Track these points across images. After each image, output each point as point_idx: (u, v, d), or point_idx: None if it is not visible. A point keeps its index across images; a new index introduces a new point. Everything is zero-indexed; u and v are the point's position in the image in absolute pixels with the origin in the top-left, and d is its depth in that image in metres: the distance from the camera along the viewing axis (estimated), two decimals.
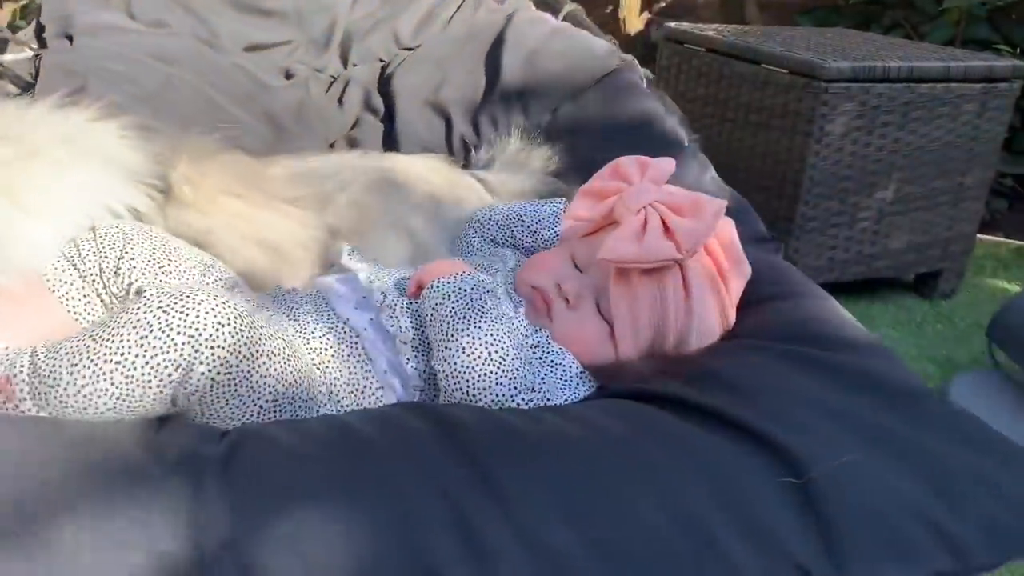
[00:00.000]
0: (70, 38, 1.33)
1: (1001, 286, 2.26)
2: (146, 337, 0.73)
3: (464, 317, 0.88)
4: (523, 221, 1.15)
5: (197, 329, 0.74)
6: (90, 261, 0.88)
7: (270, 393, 0.80)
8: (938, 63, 1.89)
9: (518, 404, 0.85)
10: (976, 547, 0.72)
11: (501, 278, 1.01)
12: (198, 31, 1.57)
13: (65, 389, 0.73)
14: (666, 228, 0.92)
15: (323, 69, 1.68)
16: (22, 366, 0.75)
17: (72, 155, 0.92)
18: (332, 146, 1.50)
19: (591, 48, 1.49)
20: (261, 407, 0.80)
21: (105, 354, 0.73)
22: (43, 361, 0.74)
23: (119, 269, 0.87)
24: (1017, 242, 2.48)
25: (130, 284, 0.87)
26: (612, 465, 0.76)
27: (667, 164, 0.99)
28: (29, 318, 0.84)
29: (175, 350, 0.74)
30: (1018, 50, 2.51)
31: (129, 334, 0.74)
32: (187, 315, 0.75)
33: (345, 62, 1.72)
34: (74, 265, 0.88)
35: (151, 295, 0.76)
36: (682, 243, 0.91)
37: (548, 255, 1.04)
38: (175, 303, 0.75)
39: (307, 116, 1.47)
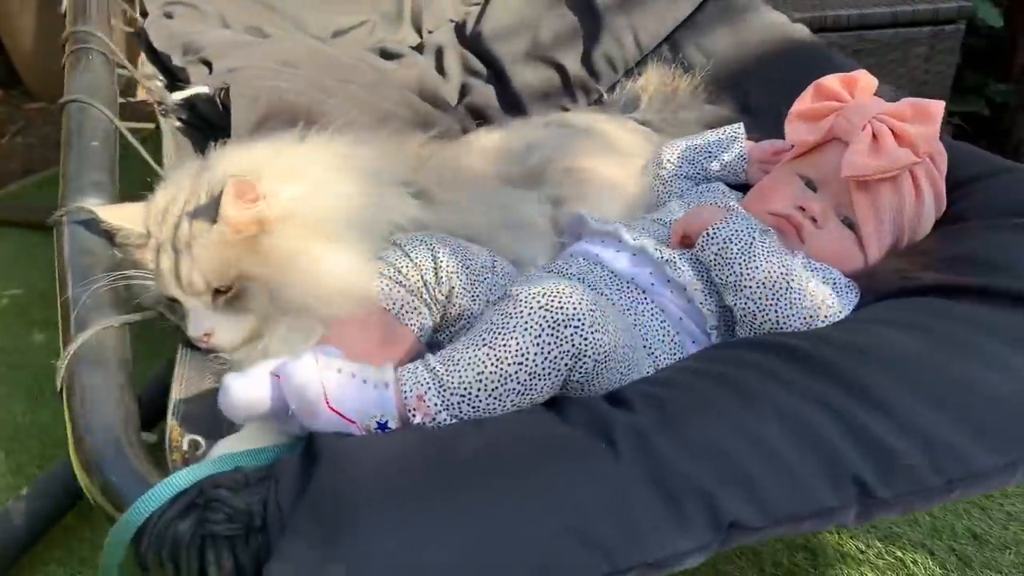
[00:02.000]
0: (205, 62, 1.32)
1: None
2: (540, 336, 0.80)
3: (753, 255, 0.95)
4: (709, 152, 1.22)
5: (579, 320, 0.81)
6: (413, 276, 0.93)
7: (627, 361, 0.87)
8: (886, 9, 1.89)
9: (821, 322, 0.94)
10: None
11: (740, 211, 1.08)
12: (290, 28, 1.57)
13: (477, 395, 0.80)
14: (897, 136, 1.00)
15: (401, 42, 1.70)
16: (426, 383, 0.81)
17: (350, 180, 0.96)
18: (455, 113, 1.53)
19: None
20: (623, 374, 0.87)
21: (507, 358, 0.80)
22: (446, 375, 0.81)
23: (439, 277, 0.93)
24: None
25: (451, 288, 0.94)
26: (952, 355, 0.84)
27: (868, 77, 1.06)
28: (378, 340, 0.90)
29: (567, 342, 0.81)
30: None
31: (523, 336, 0.80)
32: (565, 308, 0.81)
33: (419, 31, 1.73)
34: (399, 283, 0.93)
35: (526, 296, 0.82)
36: (919, 147, 0.99)
37: (774, 181, 1.11)
38: (552, 300, 0.82)
39: (429, 92, 1.49)
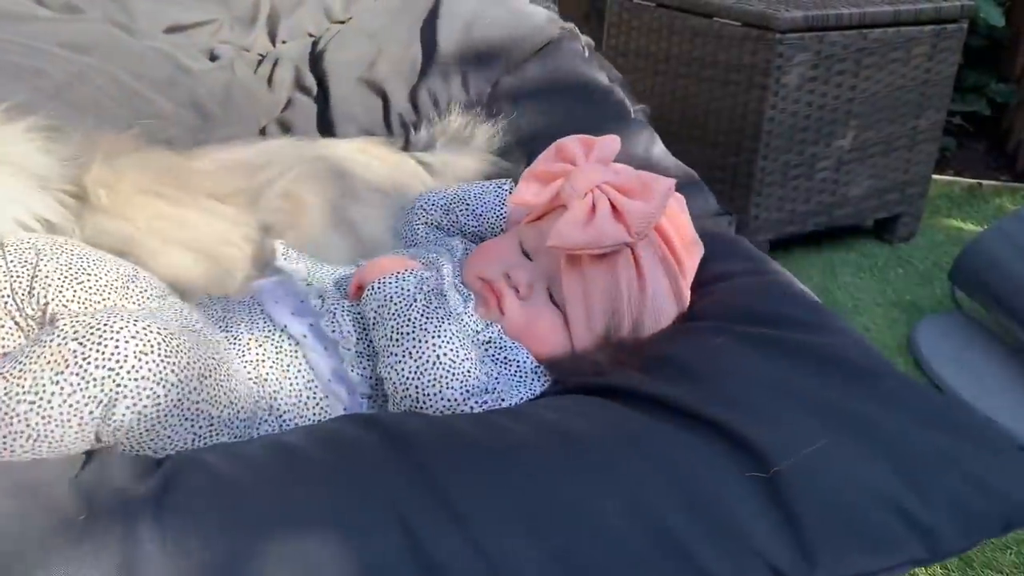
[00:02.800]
0: None
1: (956, 225, 2.26)
2: (62, 373, 0.68)
3: (409, 319, 0.83)
4: (467, 204, 1.10)
5: (117, 361, 0.69)
6: (0, 282, 0.81)
7: (205, 418, 0.75)
8: (888, 7, 1.85)
9: (471, 408, 0.81)
10: (947, 533, 0.70)
11: (449, 270, 0.96)
12: (113, 14, 1.47)
13: None
14: (615, 211, 0.87)
15: (250, 48, 1.59)
16: None
17: None
18: (263, 131, 1.43)
19: (530, 17, 1.42)
20: (196, 433, 0.75)
21: (18, 393, 0.68)
22: None
23: (32, 289, 0.80)
24: (968, 180, 2.48)
25: (46, 304, 0.81)
26: (571, 468, 0.72)
27: (612, 142, 0.94)
28: None
29: (95, 385, 0.68)
30: None
31: (43, 370, 0.68)
32: (105, 346, 0.69)
33: (273, 39, 1.63)
34: None
35: (65, 325, 0.70)
36: (632, 226, 0.87)
37: (495, 244, 0.99)
38: (92, 333, 0.69)
39: (235, 99, 1.39)
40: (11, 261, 0.81)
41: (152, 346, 0.71)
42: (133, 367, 0.69)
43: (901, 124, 1.99)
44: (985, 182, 2.45)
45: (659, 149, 1.21)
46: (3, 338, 0.81)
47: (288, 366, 0.85)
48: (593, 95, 1.28)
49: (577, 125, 1.19)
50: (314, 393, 0.85)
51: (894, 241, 2.13)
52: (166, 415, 0.71)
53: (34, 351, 0.69)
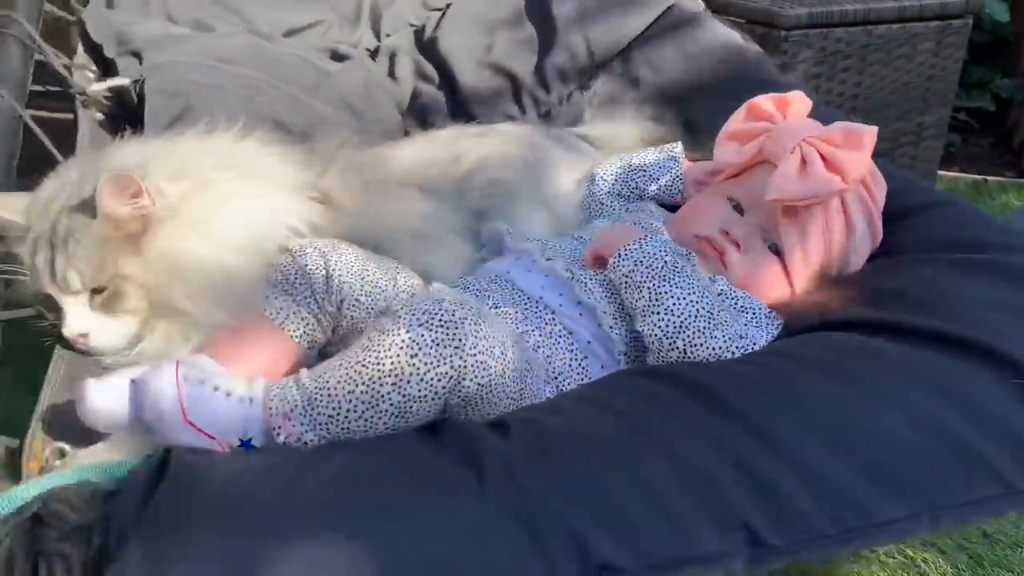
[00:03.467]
0: (136, 55, 1.28)
1: None
2: (416, 355, 0.76)
3: (663, 279, 0.90)
4: (644, 171, 1.17)
5: (460, 339, 0.77)
6: (301, 285, 0.88)
7: (518, 384, 0.83)
8: (893, 3, 1.86)
9: (732, 353, 0.89)
10: None
11: (666, 232, 1.03)
12: (237, 24, 1.53)
13: (346, 415, 0.75)
14: (826, 161, 0.95)
15: (358, 44, 1.65)
16: (294, 403, 0.76)
17: (240, 182, 0.92)
18: (403, 121, 1.49)
19: None
20: (512, 398, 0.83)
21: (380, 377, 0.75)
22: (316, 393, 0.76)
23: (329, 288, 0.88)
24: (973, 176, 2.51)
25: (341, 300, 0.88)
26: (854, 394, 0.80)
27: (803, 99, 1.02)
28: (258, 350, 0.85)
29: (445, 363, 0.76)
30: None
31: (399, 355, 0.76)
32: (447, 328, 0.77)
33: (377, 33, 1.69)
34: (285, 291, 0.88)
35: (405, 313, 0.78)
36: (846, 174, 0.94)
37: (701, 203, 1.06)
38: (432, 318, 0.77)
39: (375, 95, 1.45)
40: (305, 265, 0.89)
41: (480, 325, 0.79)
42: (473, 344, 0.77)
43: (907, 120, 2.00)
44: (990, 178, 2.48)
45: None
46: (310, 334, 0.89)
47: (551, 334, 0.92)
48: (737, 54, 1.35)
49: (723, 83, 1.28)
50: (575, 355, 0.92)
51: None
52: (496, 384, 0.79)
53: (384, 340, 0.77)
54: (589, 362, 0.93)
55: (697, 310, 0.89)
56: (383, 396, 0.75)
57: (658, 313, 0.89)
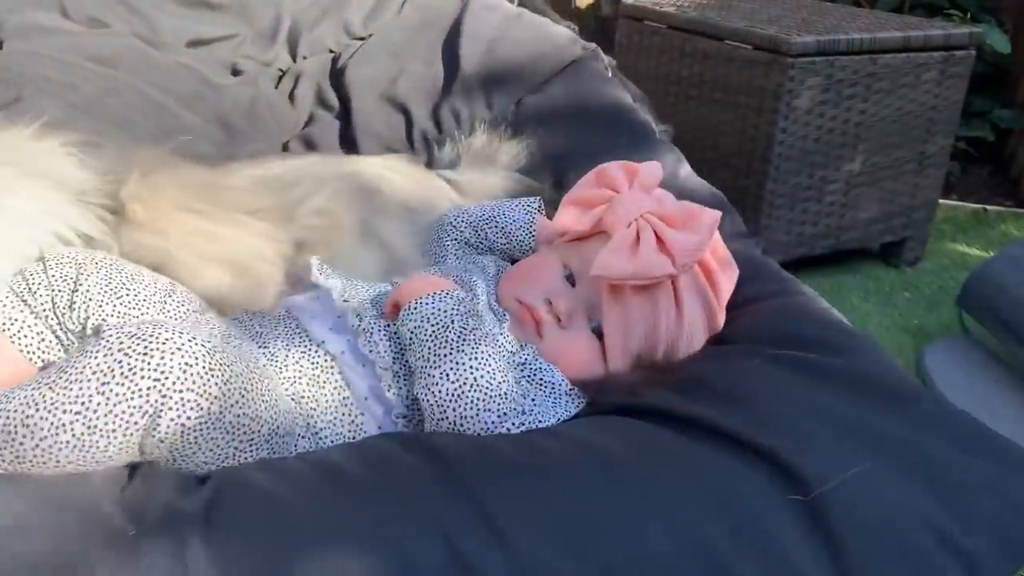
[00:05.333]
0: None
1: (961, 250, 2.28)
2: (107, 384, 0.68)
3: (445, 341, 0.83)
4: (496, 222, 1.11)
5: (163, 372, 0.69)
6: (41, 295, 0.81)
7: (245, 432, 0.75)
8: (898, 33, 1.87)
9: (508, 429, 0.81)
10: (988, 557, 0.70)
11: (483, 289, 0.96)
12: (137, 27, 1.48)
13: (21, 443, 0.67)
14: (660, 242, 0.88)
15: (271, 63, 1.61)
16: None
17: (13, 179, 0.85)
18: (286, 146, 1.43)
19: (553, 36, 1.44)
20: (236, 447, 0.75)
21: (63, 403, 0.67)
22: None
23: (73, 303, 0.81)
24: (973, 205, 2.50)
25: (86, 318, 0.81)
26: (614, 490, 0.72)
27: (654, 169, 0.95)
28: None
29: (140, 396, 0.68)
30: (968, 15, 2.54)
31: (89, 380, 0.68)
32: (151, 358, 0.69)
33: (294, 55, 1.64)
34: (24, 300, 0.81)
35: (111, 336, 0.70)
36: (677, 258, 0.87)
37: (534, 265, 0.99)
38: (137, 344, 0.70)
39: (259, 114, 1.40)
40: (52, 275, 0.82)
41: (196, 358, 0.71)
42: (178, 379, 0.69)
43: (909, 149, 2.01)
44: (990, 207, 2.48)
45: (686, 170, 1.22)
46: (44, 351, 0.81)
47: (324, 383, 0.85)
48: (619, 116, 1.30)
49: (603, 146, 1.22)
50: (349, 411, 0.85)
51: (900, 265, 2.14)
52: (209, 428, 0.72)
53: (80, 361, 0.69)
54: (364, 420, 0.85)
55: (475, 378, 0.81)
56: (63, 425, 0.67)
57: (433, 376, 0.82)
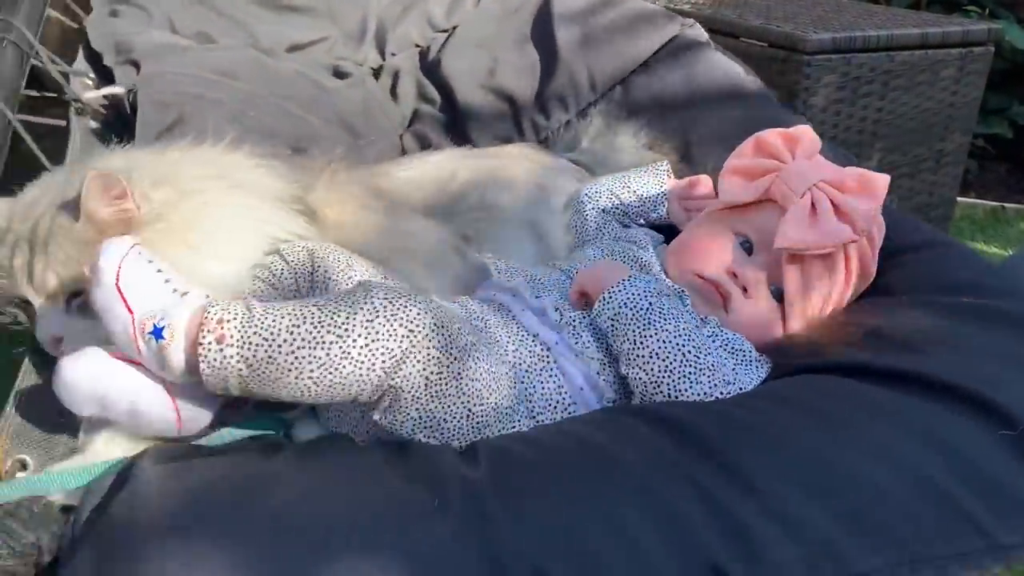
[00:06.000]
0: (134, 64, 1.28)
1: (980, 248, 2.25)
2: (372, 321, 0.74)
3: (648, 322, 0.87)
4: (630, 187, 1.16)
5: (417, 324, 0.75)
6: (287, 279, 0.88)
7: (478, 400, 0.80)
8: (915, 30, 1.85)
9: (717, 396, 0.86)
10: None
11: (656, 268, 1.01)
12: (240, 38, 1.53)
13: (279, 346, 0.73)
14: (837, 209, 0.93)
15: (363, 63, 1.66)
16: (236, 313, 0.74)
17: (226, 192, 0.91)
18: (400, 142, 1.48)
19: (648, 14, 1.48)
20: (471, 411, 0.80)
21: (329, 325, 0.73)
22: (261, 315, 0.74)
23: (314, 283, 0.88)
24: (991, 203, 2.49)
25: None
26: (840, 440, 0.78)
27: (812, 136, 0.99)
28: None
29: (394, 340, 0.74)
30: (986, 10, 2.53)
31: (357, 314, 0.74)
32: (409, 310, 0.75)
33: (382, 52, 1.69)
34: (273, 287, 0.88)
35: (378, 285, 0.77)
36: (857, 224, 0.92)
37: (703, 238, 1.02)
38: (401, 297, 0.76)
39: (373, 114, 1.45)
40: (292, 262, 0.89)
41: (444, 321, 0.77)
42: (428, 335, 0.75)
43: (927, 147, 1.98)
44: (1008, 205, 2.47)
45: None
46: None
47: (541, 371, 0.89)
48: (737, 86, 1.33)
49: (728, 117, 1.27)
50: (563, 397, 0.89)
51: None
52: (447, 384, 0.77)
53: (352, 296, 0.75)
54: (576, 408, 0.89)
55: (683, 354, 0.86)
56: (322, 343, 0.73)
57: (643, 356, 0.86)
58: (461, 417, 0.80)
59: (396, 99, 1.55)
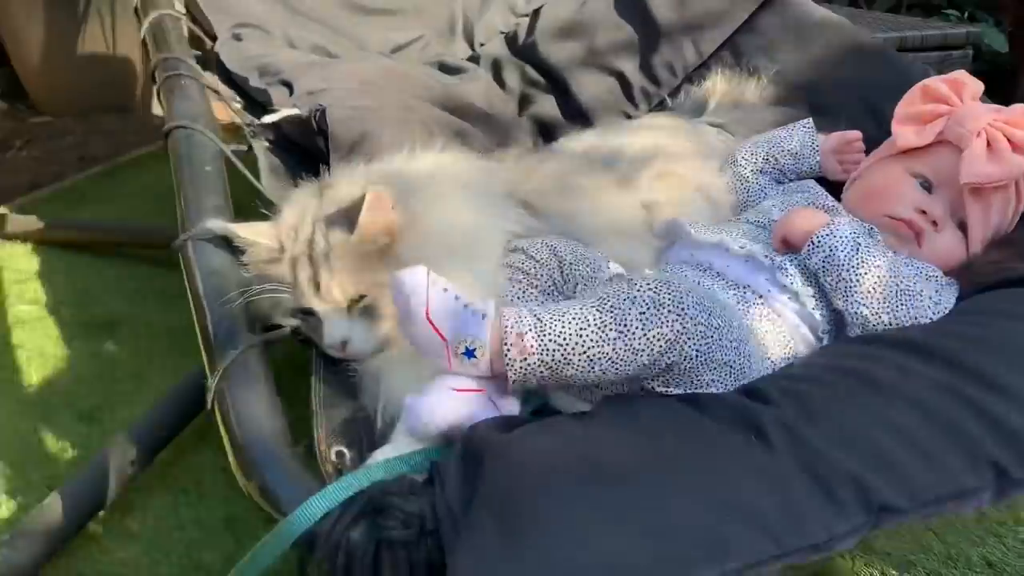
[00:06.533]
0: (285, 83, 1.35)
1: None
2: (645, 313, 0.83)
3: (860, 262, 0.98)
4: (782, 147, 1.25)
5: (683, 307, 0.84)
6: (543, 276, 0.97)
7: (734, 356, 0.89)
8: (894, 34, 1.91)
9: (930, 319, 0.97)
10: None
11: (842, 211, 1.11)
12: (348, 46, 1.60)
13: (572, 349, 0.83)
14: (1013, 144, 1.03)
15: (456, 55, 1.73)
16: (530, 325, 0.83)
17: (461, 193, 1.00)
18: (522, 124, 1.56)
19: None
20: (731, 368, 0.89)
21: (610, 323, 0.83)
22: (549, 322, 0.83)
23: (564, 274, 0.97)
24: None
25: (575, 284, 0.98)
26: None
27: (973, 80, 1.09)
28: None
29: (667, 325, 0.84)
30: (965, 14, 2.59)
31: (629, 309, 0.83)
32: (673, 296, 0.85)
33: (471, 43, 1.76)
34: (532, 285, 0.96)
35: (640, 279, 0.87)
36: None
37: (884, 182, 1.13)
38: (663, 287, 0.85)
39: (495, 104, 1.52)
40: (540, 259, 0.97)
41: (700, 299, 0.87)
42: (695, 316, 0.85)
43: None
44: None
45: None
46: None
47: (761, 317, 0.99)
48: (850, 38, 1.41)
49: (848, 69, 1.36)
50: (782, 337, 0.99)
51: None
52: (711, 354, 0.87)
53: (621, 293, 0.85)
54: (795, 343, 0.99)
55: (898, 283, 0.97)
56: (608, 340, 0.83)
57: (860, 293, 0.97)
58: (726, 374, 0.90)
59: (504, 88, 1.62)
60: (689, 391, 0.89)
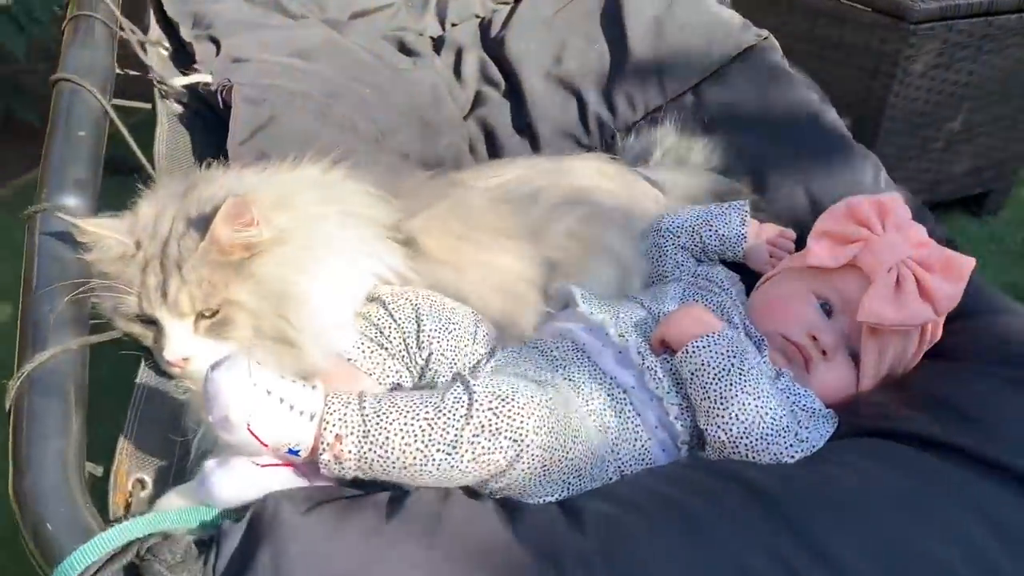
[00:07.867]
0: (213, 40, 1.26)
1: None
2: (478, 437, 0.80)
3: (729, 384, 0.92)
4: (711, 226, 1.19)
5: (522, 434, 0.81)
6: (395, 339, 0.91)
7: (575, 470, 0.86)
8: None
9: (792, 457, 0.92)
10: None
11: (739, 318, 1.05)
12: (307, 4, 1.50)
13: (394, 463, 0.79)
14: (921, 288, 0.97)
15: (423, 32, 1.64)
16: (352, 428, 0.79)
17: (344, 220, 0.93)
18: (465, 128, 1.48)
19: (723, 20, 1.47)
20: (568, 482, 0.86)
21: (439, 443, 0.79)
22: (375, 428, 0.79)
23: (420, 341, 0.91)
24: None
25: (430, 353, 0.92)
26: (905, 515, 0.84)
27: (903, 208, 1.03)
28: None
29: (500, 452, 0.80)
30: None
31: (462, 430, 0.79)
32: (513, 420, 0.81)
33: (442, 22, 1.67)
34: (381, 345, 0.91)
35: (482, 393, 0.81)
36: (939, 305, 0.97)
37: (787, 297, 1.07)
38: (502, 406, 0.81)
39: (442, 102, 1.44)
40: (399, 319, 0.91)
41: (545, 420, 0.83)
42: (532, 441, 0.81)
43: (1007, 105, 2.06)
44: None
45: (885, 178, 1.27)
46: (399, 383, 0.92)
47: (620, 413, 0.94)
48: (813, 119, 1.33)
49: (801, 152, 1.29)
50: (639, 437, 0.94)
51: (982, 214, 2.24)
52: (551, 470, 0.84)
53: (455, 411, 0.80)
54: (652, 446, 0.95)
55: (762, 416, 0.91)
56: (433, 460, 0.79)
57: (722, 417, 0.91)
58: (561, 489, 0.86)
59: (460, 80, 1.54)
60: (516, 496, 0.85)
